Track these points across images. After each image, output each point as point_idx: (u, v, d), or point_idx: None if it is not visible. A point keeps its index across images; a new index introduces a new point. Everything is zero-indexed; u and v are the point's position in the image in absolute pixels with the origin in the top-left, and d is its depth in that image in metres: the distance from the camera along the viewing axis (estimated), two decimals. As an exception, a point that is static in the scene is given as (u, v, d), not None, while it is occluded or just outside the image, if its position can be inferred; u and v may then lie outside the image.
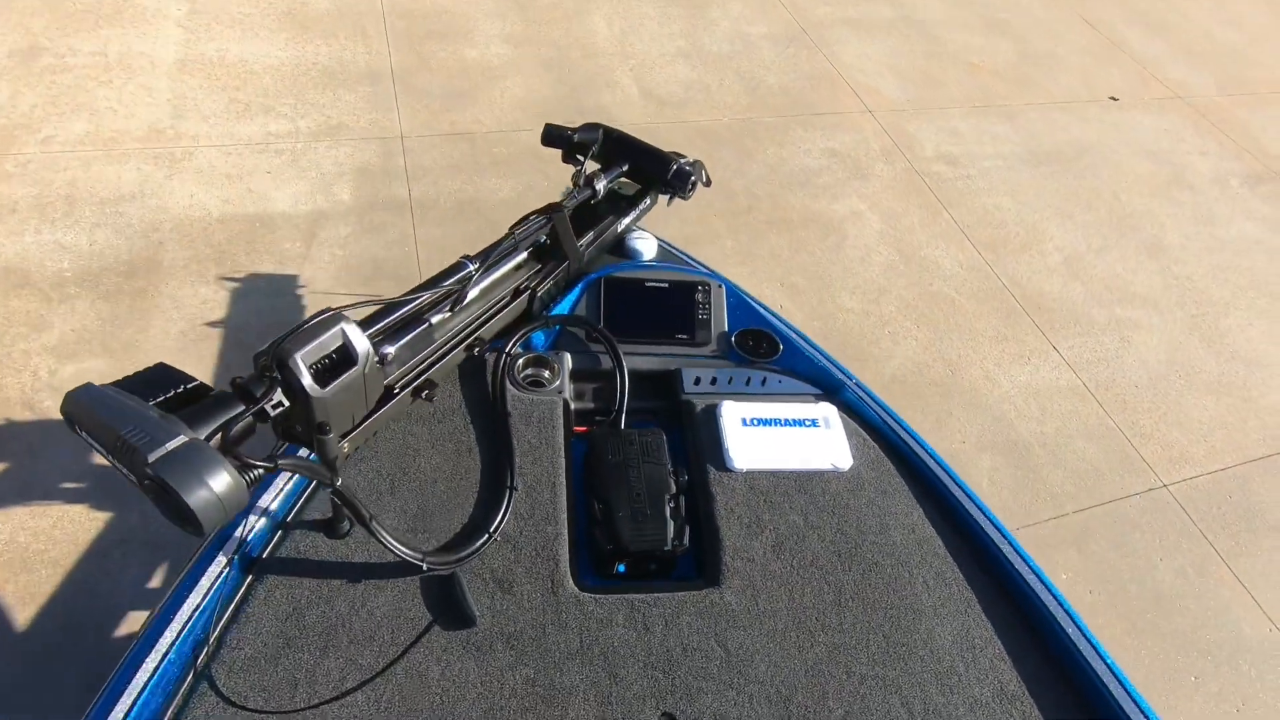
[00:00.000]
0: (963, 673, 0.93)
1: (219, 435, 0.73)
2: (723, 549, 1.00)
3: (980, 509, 1.09)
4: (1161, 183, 3.44)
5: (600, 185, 1.27)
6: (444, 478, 1.02)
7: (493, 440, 1.06)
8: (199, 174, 2.63)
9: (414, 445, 1.04)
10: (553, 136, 1.29)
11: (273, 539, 0.93)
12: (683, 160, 1.34)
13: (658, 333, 1.25)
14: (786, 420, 1.14)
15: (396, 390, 0.96)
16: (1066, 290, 2.88)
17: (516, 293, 1.16)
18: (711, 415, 1.14)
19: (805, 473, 1.09)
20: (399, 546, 0.87)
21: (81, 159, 2.61)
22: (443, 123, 3.00)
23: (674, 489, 1.04)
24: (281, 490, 0.96)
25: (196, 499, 0.65)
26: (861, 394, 1.21)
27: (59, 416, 2.09)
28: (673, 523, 1.00)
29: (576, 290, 1.26)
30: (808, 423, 1.14)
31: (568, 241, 1.20)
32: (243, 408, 0.75)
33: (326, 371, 0.81)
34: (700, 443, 1.11)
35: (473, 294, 1.07)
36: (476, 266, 1.05)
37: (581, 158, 1.29)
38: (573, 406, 1.16)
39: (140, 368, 0.82)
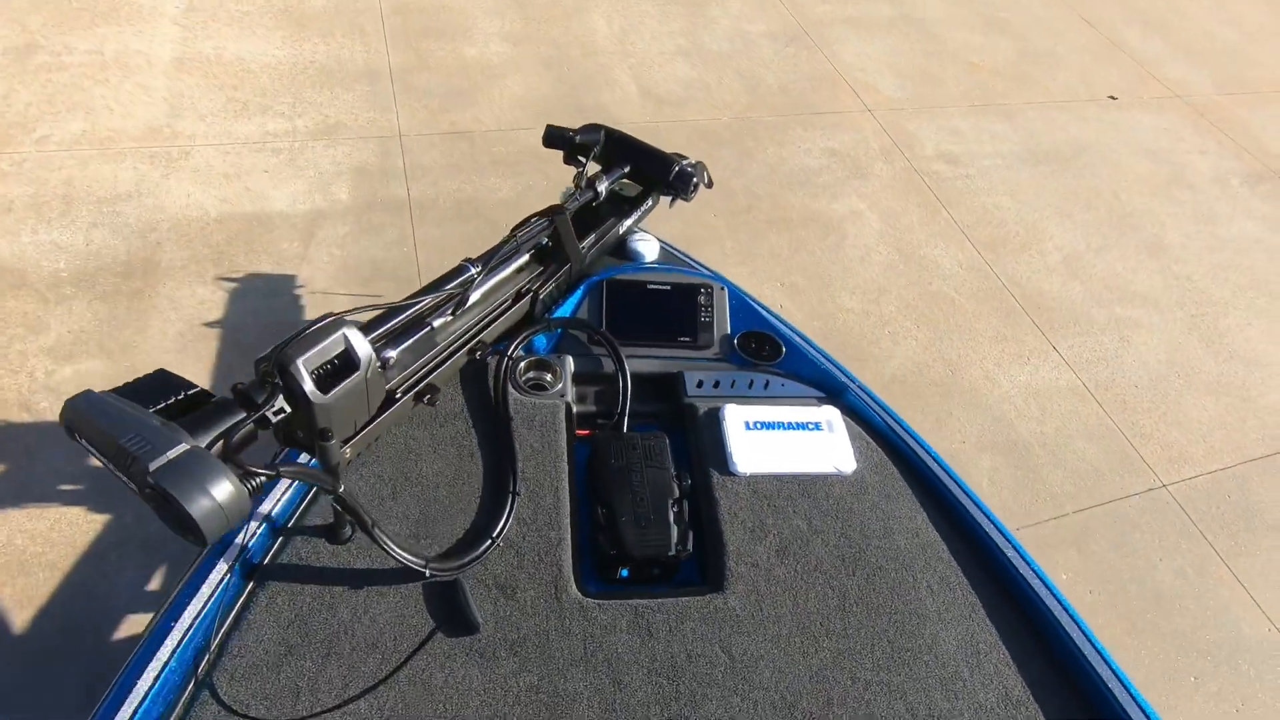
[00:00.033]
0: (968, 678, 0.93)
1: (220, 443, 0.73)
2: (726, 554, 1.00)
3: (984, 512, 1.09)
4: (1161, 182, 3.44)
5: (602, 187, 1.27)
6: (446, 482, 1.01)
7: (495, 444, 1.06)
8: (196, 173, 2.62)
9: (415, 450, 1.04)
10: (554, 138, 1.28)
11: (274, 545, 0.92)
12: (684, 162, 1.33)
13: (660, 335, 1.24)
14: (789, 424, 1.13)
15: (398, 395, 0.96)
16: (1066, 290, 2.88)
17: (518, 295, 1.16)
18: (714, 419, 1.13)
19: (809, 476, 1.09)
20: (402, 553, 0.86)
21: (78, 158, 2.60)
22: (441, 122, 2.99)
23: (677, 493, 1.03)
24: (282, 496, 0.95)
25: (198, 508, 0.64)
26: (864, 397, 1.20)
27: (56, 418, 2.09)
28: (676, 528, 1.00)
29: (578, 293, 1.25)
30: (811, 426, 1.14)
31: (570, 244, 1.19)
32: (244, 414, 0.75)
33: (328, 377, 0.80)
34: (703, 446, 1.11)
35: (474, 297, 1.07)
36: (478, 269, 1.04)
37: (583, 159, 1.28)
38: (575, 410, 1.15)
39: (138, 368, 0.81)
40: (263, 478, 0.73)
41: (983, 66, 3.86)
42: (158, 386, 0.76)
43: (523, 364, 1.15)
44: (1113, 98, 3.86)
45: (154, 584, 1.76)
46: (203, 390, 0.77)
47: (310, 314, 2.31)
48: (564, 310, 1.23)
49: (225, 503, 0.66)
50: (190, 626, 0.82)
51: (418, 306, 0.96)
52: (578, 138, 1.28)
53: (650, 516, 0.99)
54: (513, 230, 1.16)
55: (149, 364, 2.10)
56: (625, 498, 1.01)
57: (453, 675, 0.85)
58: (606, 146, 1.31)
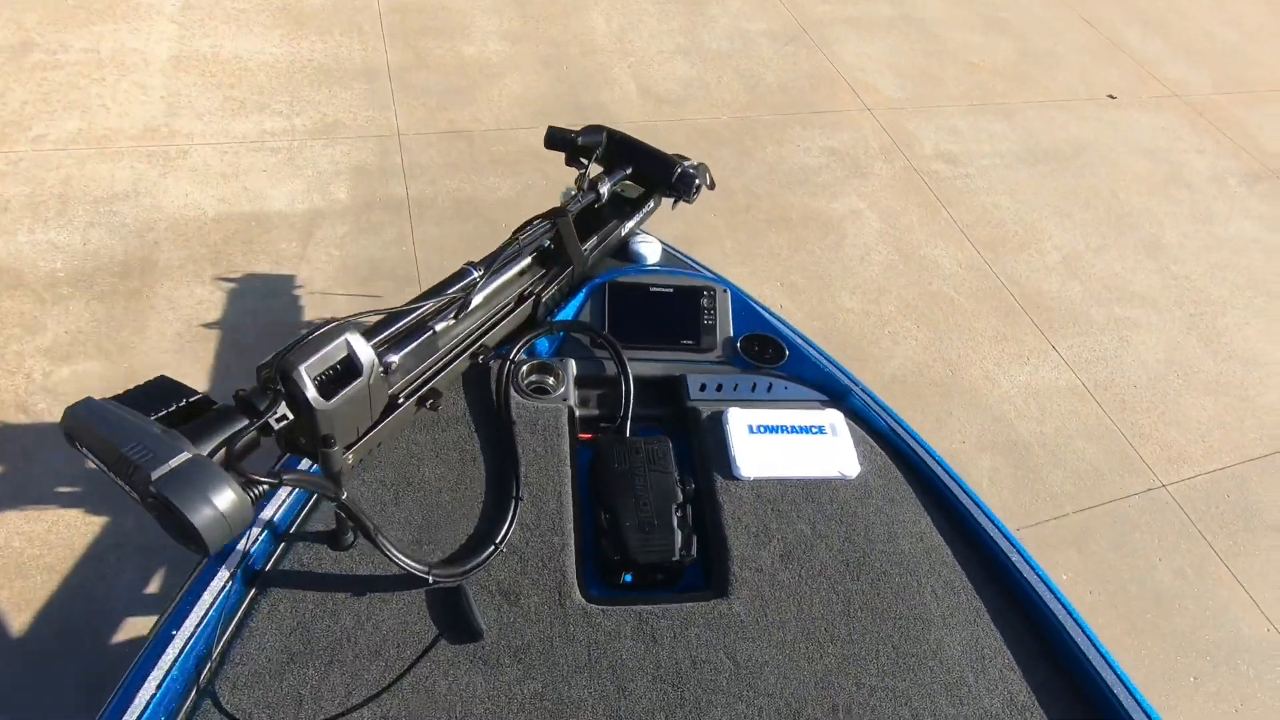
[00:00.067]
0: (972, 683, 0.93)
1: (223, 450, 0.72)
2: (730, 559, 1.00)
3: (988, 516, 1.09)
4: (1159, 181, 3.45)
5: (604, 189, 1.26)
6: (448, 488, 1.00)
7: (497, 449, 1.05)
8: (194, 173, 2.61)
9: (417, 454, 1.03)
10: (556, 140, 1.27)
11: (276, 551, 0.92)
12: (687, 163, 1.32)
13: (663, 338, 1.24)
14: (793, 427, 1.13)
15: (401, 400, 0.95)
16: (1065, 289, 2.88)
17: (520, 299, 1.15)
18: (717, 422, 1.13)
19: (812, 480, 1.09)
20: (405, 560, 0.86)
21: (75, 157, 2.58)
22: (440, 120, 2.98)
23: (681, 498, 1.03)
24: (284, 502, 0.94)
25: (201, 518, 0.64)
26: (868, 400, 1.20)
27: (53, 419, 2.08)
28: (680, 533, 0.99)
29: (580, 295, 1.24)
30: (814, 430, 1.13)
31: (572, 246, 1.19)
32: (246, 422, 0.74)
33: (331, 383, 0.79)
34: (706, 450, 1.10)
35: (477, 300, 1.06)
36: (481, 273, 1.04)
37: (585, 161, 1.27)
38: (577, 413, 1.15)
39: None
40: (265, 486, 0.72)
41: (982, 66, 3.86)
42: (159, 393, 0.75)
43: (525, 367, 1.14)
44: (1112, 97, 3.86)
45: (152, 587, 1.75)
46: (204, 397, 0.76)
47: (309, 314, 2.30)
48: (566, 313, 1.23)
49: (228, 512, 0.65)
50: (192, 634, 0.82)
51: (420, 311, 0.96)
52: (580, 139, 1.27)
53: (654, 521, 0.99)
54: (514, 232, 1.15)
55: (147, 364, 2.09)
56: (629, 502, 1.00)
57: (456, 683, 0.84)
58: (608, 148, 1.30)
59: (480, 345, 1.08)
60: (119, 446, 0.66)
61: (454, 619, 0.89)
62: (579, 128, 1.31)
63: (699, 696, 0.87)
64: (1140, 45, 4.26)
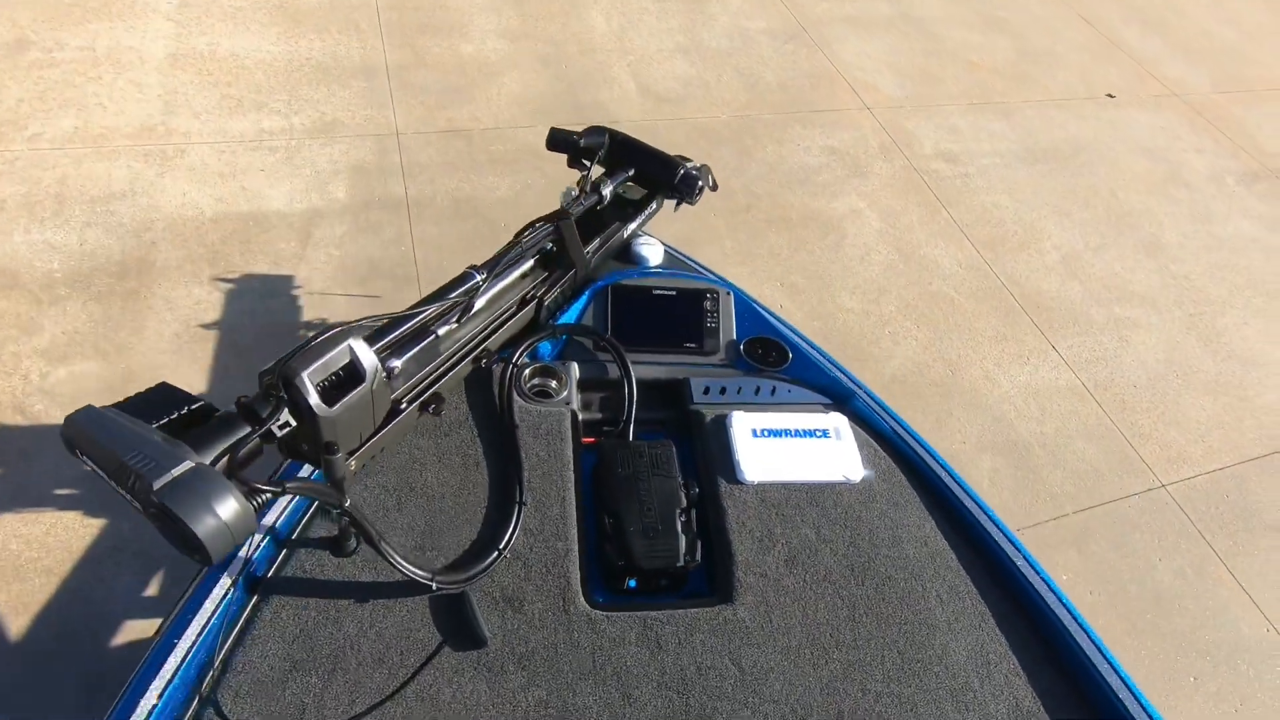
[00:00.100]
0: (978, 689, 0.92)
1: (225, 459, 0.71)
2: (735, 564, 0.99)
3: (992, 519, 1.09)
4: (1158, 180, 3.45)
5: (606, 191, 1.25)
6: (451, 493, 1.00)
7: (500, 453, 1.05)
8: (191, 172, 2.59)
9: (420, 459, 1.02)
10: (558, 141, 1.27)
11: (278, 558, 0.91)
12: (689, 165, 1.31)
13: (666, 341, 1.23)
14: (797, 431, 1.12)
15: (403, 405, 0.94)
16: (1065, 289, 2.88)
17: (523, 302, 1.14)
18: (721, 426, 1.12)
19: (817, 485, 1.08)
20: (408, 566, 0.85)
21: (71, 156, 2.57)
22: (439, 119, 2.96)
23: (685, 503, 1.03)
24: (286, 508, 0.94)
25: (204, 528, 0.63)
26: (871, 403, 1.20)
27: (51, 421, 2.05)
28: (684, 538, 0.99)
29: (583, 298, 1.24)
30: (818, 433, 1.13)
31: (574, 249, 1.18)
32: (249, 429, 0.73)
33: (333, 389, 0.79)
34: (710, 454, 1.10)
35: (479, 304, 1.05)
36: (483, 276, 1.03)
37: (588, 163, 1.27)
38: (580, 417, 1.14)
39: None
40: (268, 494, 0.71)
41: (981, 65, 3.86)
42: (160, 401, 0.74)
43: (527, 371, 1.14)
44: (1111, 96, 3.85)
45: (151, 590, 1.74)
46: (206, 404, 0.76)
47: (308, 314, 2.29)
48: (569, 316, 1.22)
49: (231, 521, 0.65)
50: (194, 642, 0.81)
51: (422, 315, 0.95)
52: (582, 141, 1.26)
53: (658, 527, 0.99)
54: (516, 235, 1.15)
55: (145, 365, 2.08)
56: (633, 507, 1.00)
57: (461, 690, 0.84)
58: (610, 149, 1.30)
59: (483, 349, 1.07)
60: (120, 455, 0.65)
61: (458, 626, 0.88)
62: (580, 129, 1.30)
63: (704, 703, 0.86)
64: (1139, 44, 4.26)
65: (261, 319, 2.25)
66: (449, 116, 2.98)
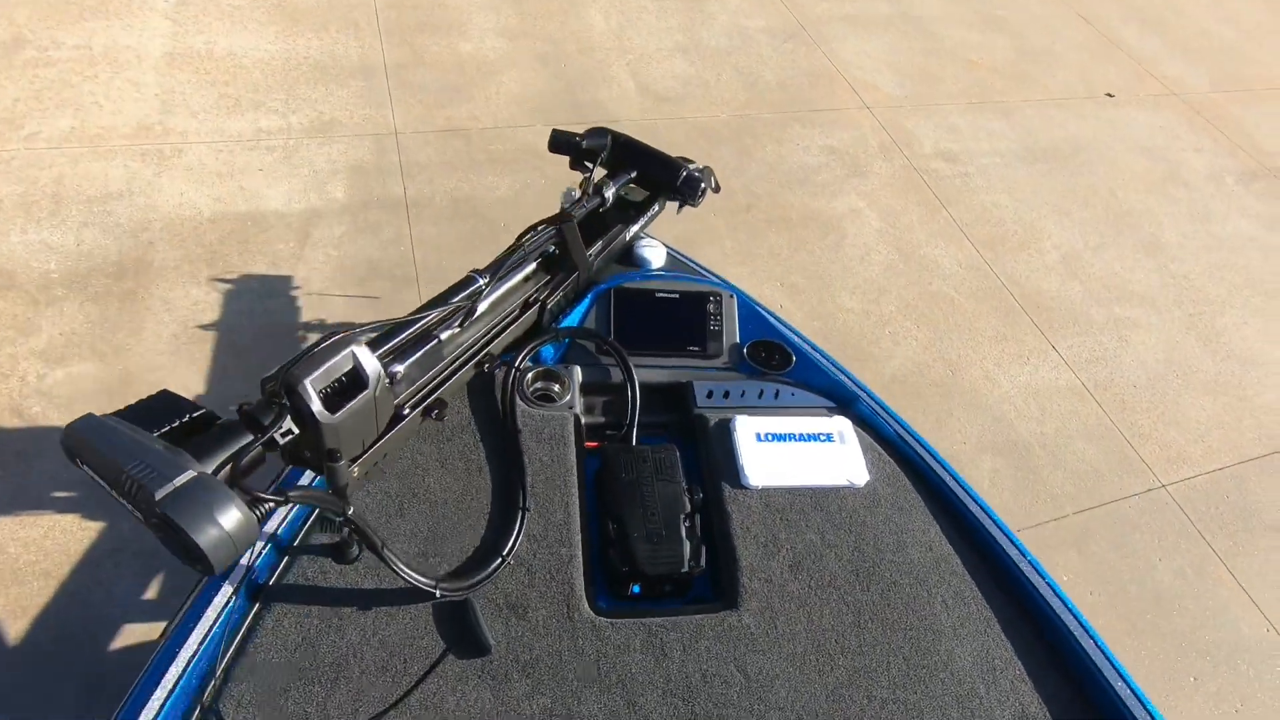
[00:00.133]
0: (984, 695, 0.92)
1: (228, 467, 0.70)
2: (739, 569, 0.99)
3: (996, 523, 1.08)
4: (1157, 179, 3.45)
5: (609, 193, 1.25)
6: (454, 498, 0.99)
7: (503, 458, 1.04)
8: (189, 171, 2.58)
9: (422, 465, 1.02)
10: (560, 143, 1.26)
11: (279, 564, 0.90)
12: (692, 166, 1.31)
13: (669, 344, 1.22)
14: (801, 435, 1.12)
15: (406, 411, 0.94)
16: (1065, 289, 2.88)
17: (526, 305, 1.14)
18: (725, 430, 1.12)
19: (821, 489, 1.08)
20: (412, 574, 0.85)
21: (68, 156, 2.55)
22: (437, 118, 2.95)
23: (689, 508, 1.02)
24: (288, 514, 0.93)
25: (206, 538, 0.62)
26: (875, 406, 1.19)
27: (48, 423, 2.04)
28: (688, 543, 0.98)
29: (586, 301, 1.23)
30: (822, 437, 1.13)
31: (577, 251, 1.17)
32: (251, 437, 0.72)
33: (336, 396, 0.78)
34: (714, 459, 1.09)
35: (482, 308, 1.05)
36: (486, 280, 1.02)
37: (590, 165, 1.26)
38: (583, 421, 1.13)
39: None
40: (271, 504, 0.71)
41: (980, 64, 3.85)
42: (161, 408, 0.74)
43: (530, 374, 1.13)
44: (1110, 95, 3.85)
45: (151, 593, 1.73)
46: (208, 411, 0.75)
47: (306, 315, 2.28)
48: (571, 319, 1.21)
49: (233, 531, 0.64)
50: (195, 652, 0.80)
51: (425, 320, 0.94)
52: (584, 143, 1.26)
53: (662, 532, 0.98)
54: (519, 238, 1.14)
55: (142, 367, 2.07)
56: (636, 513, 0.99)
57: (465, 698, 0.83)
58: (613, 151, 1.29)
59: (486, 354, 1.06)
60: (122, 464, 0.64)
61: (461, 633, 0.87)
62: (581, 129, 1.29)
63: (710, 711, 0.86)
64: (1138, 43, 4.26)
65: (260, 320, 2.24)
66: (447, 116, 2.97)
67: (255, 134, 2.74)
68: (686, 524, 1.00)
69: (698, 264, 1.41)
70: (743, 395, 1.17)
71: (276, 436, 0.74)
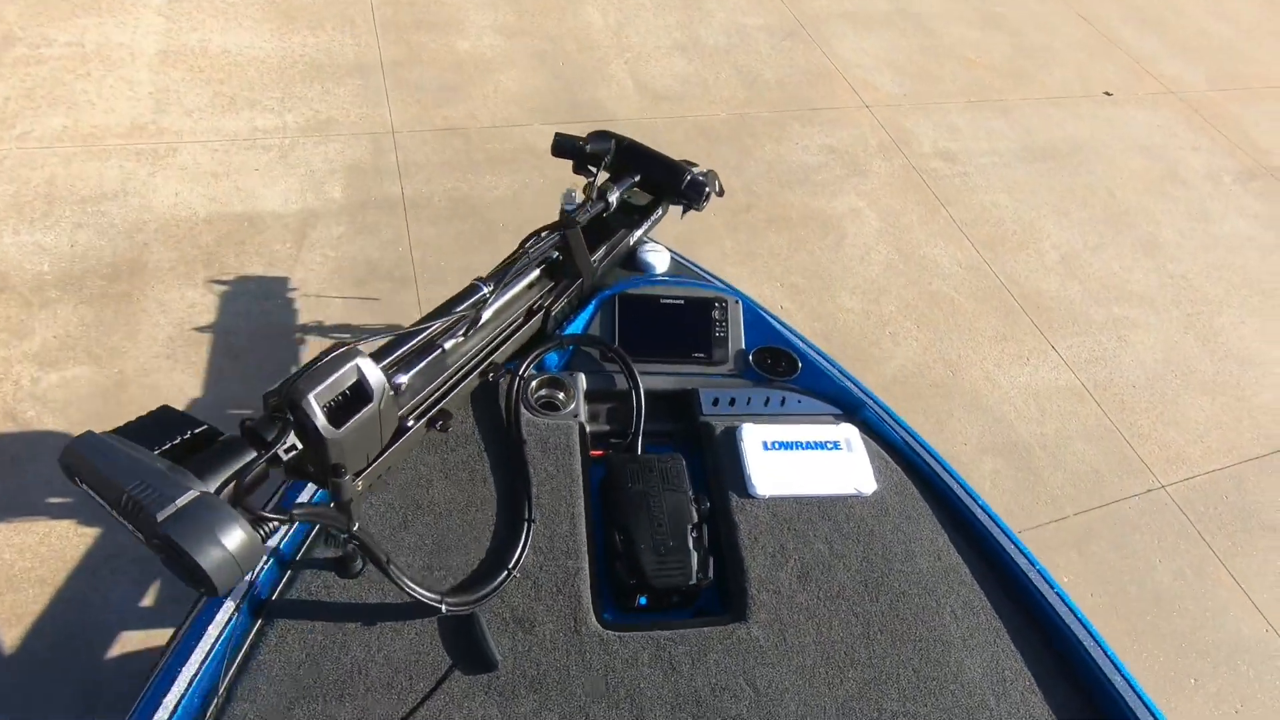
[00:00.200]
0: (994, 707, 0.91)
1: (230, 485, 0.69)
2: (748, 580, 0.98)
3: (1004, 531, 1.08)
4: (1155, 178, 3.45)
5: (613, 197, 1.23)
6: (459, 510, 0.98)
7: (508, 469, 1.03)
8: (184, 171, 2.55)
9: (426, 475, 1.00)
10: (564, 147, 1.24)
11: (282, 580, 0.89)
12: (695, 170, 1.29)
13: (674, 351, 1.21)
14: (808, 443, 1.11)
15: (410, 422, 0.92)
16: (1064, 289, 2.88)
17: (530, 313, 1.12)
18: (731, 438, 1.11)
19: (829, 498, 1.07)
20: (417, 589, 0.83)
21: (60, 155, 2.52)
22: (435, 117, 2.93)
23: (696, 518, 1.01)
24: (290, 528, 0.91)
25: (210, 560, 0.61)
26: (881, 413, 1.18)
27: (43, 427, 2.01)
28: (696, 554, 0.97)
29: (590, 307, 1.22)
30: (829, 445, 1.12)
31: (581, 257, 1.16)
32: (254, 454, 0.71)
33: (340, 410, 0.77)
34: (721, 468, 1.08)
35: (486, 316, 1.03)
36: (490, 289, 1.01)
37: (594, 169, 1.24)
38: (588, 429, 1.12)
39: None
40: (275, 522, 0.69)
41: (979, 63, 3.84)
42: (161, 424, 0.72)
43: (534, 382, 1.12)
44: (1108, 94, 3.85)
45: (148, 600, 1.72)
46: (209, 428, 0.73)
47: (304, 318, 2.25)
48: (576, 326, 1.20)
49: (237, 552, 0.63)
50: (198, 670, 0.79)
51: (429, 331, 0.93)
52: (588, 147, 1.24)
53: (669, 544, 0.97)
54: (522, 243, 1.13)
55: (138, 370, 2.05)
56: (643, 524, 0.98)
57: (471, 715, 0.82)
58: (616, 155, 1.27)
59: (490, 363, 1.05)
60: (123, 485, 0.63)
61: (467, 648, 0.86)
62: (582, 132, 1.27)
63: (719, 725, 0.85)
64: (1136, 42, 4.26)
65: (257, 322, 2.22)
66: (445, 114, 2.95)
67: (251, 133, 2.71)
68: (694, 535, 0.99)
69: (702, 269, 1.40)
70: (749, 402, 1.16)
71: (280, 453, 0.73)
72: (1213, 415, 2.59)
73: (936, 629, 0.97)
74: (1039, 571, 1.03)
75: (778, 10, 3.84)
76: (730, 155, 3.06)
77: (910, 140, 3.32)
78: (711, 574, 0.98)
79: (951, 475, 1.12)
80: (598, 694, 0.85)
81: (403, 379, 0.91)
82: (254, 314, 2.24)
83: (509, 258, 1.10)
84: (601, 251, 1.23)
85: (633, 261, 1.34)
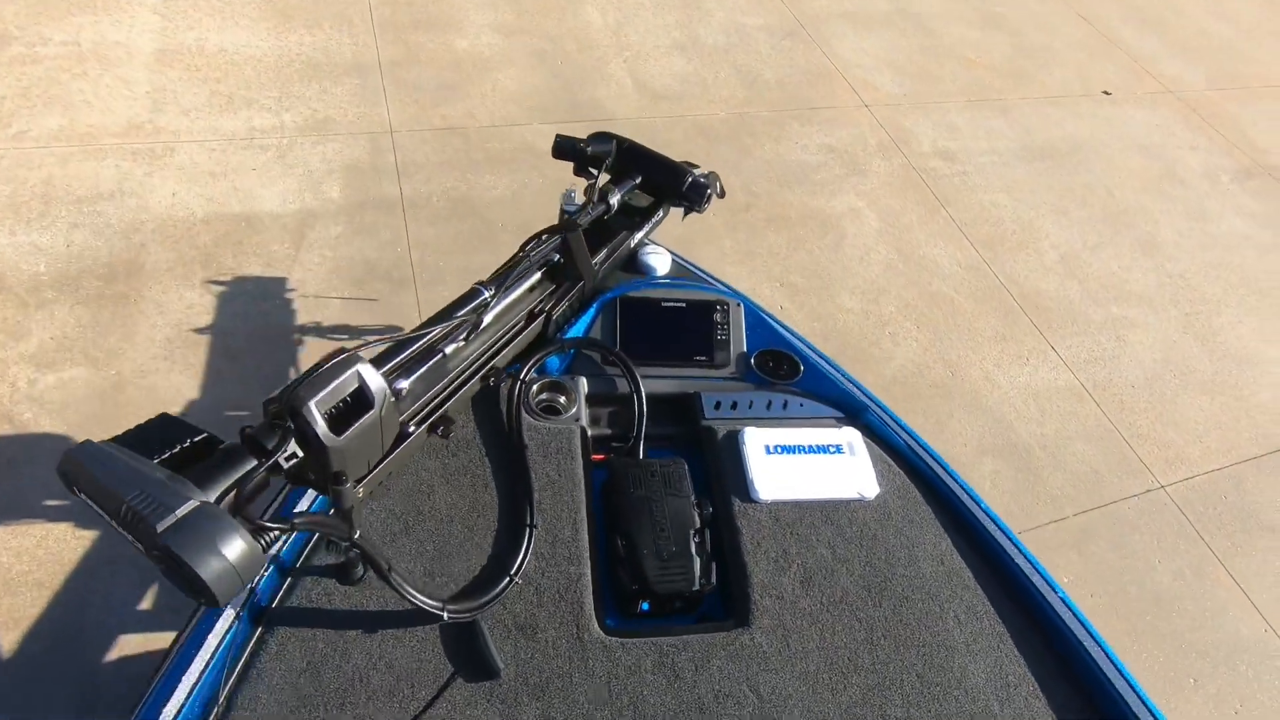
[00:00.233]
0: (998, 712, 0.91)
1: (231, 494, 0.68)
2: (750, 585, 0.97)
3: (1007, 535, 1.07)
4: (1154, 178, 3.45)
5: (614, 200, 1.22)
6: (460, 516, 0.97)
7: (509, 474, 1.02)
8: (181, 171, 2.54)
9: (427, 481, 1.00)
10: (564, 149, 1.24)
11: (283, 586, 0.88)
12: (697, 172, 1.29)
13: (675, 354, 1.21)
14: (810, 447, 1.11)
15: (411, 428, 0.92)
16: (1063, 289, 2.88)
17: (531, 316, 1.12)
18: (733, 442, 1.10)
19: (831, 502, 1.06)
20: (419, 596, 0.83)
21: (57, 155, 2.51)
22: (433, 117, 2.92)
23: (698, 523, 1.01)
24: (291, 535, 0.91)
25: (210, 571, 0.60)
26: (884, 416, 1.18)
27: (40, 429, 2.00)
28: (698, 560, 0.97)
29: (591, 311, 1.21)
30: (832, 449, 1.11)
31: (582, 260, 1.15)
32: (255, 463, 0.70)
33: (341, 417, 0.76)
34: (723, 472, 1.08)
35: (487, 320, 1.03)
36: (492, 292, 1.00)
37: (595, 171, 1.24)
38: (590, 433, 1.12)
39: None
40: (276, 532, 0.69)
41: (979, 62, 3.84)
42: (161, 432, 0.71)
43: (535, 386, 1.11)
44: (1107, 93, 3.85)
45: (147, 603, 1.71)
46: (209, 435, 0.73)
47: (303, 318, 2.25)
48: (577, 329, 1.20)
49: (238, 563, 0.62)
50: (198, 679, 0.78)
51: (430, 336, 0.92)
52: (589, 149, 1.23)
53: (672, 549, 0.97)
54: (522, 246, 1.12)
55: (135, 371, 2.04)
56: (645, 529, 0.98)
57: (474, 722, 0.82)
58: (617, 156, 1.27)
59: (491, 368, 1.05)
60: (122, 494, 0.62)
61: (470, 656, 0.86)
62: (583, 133, 1.27)
63: (723, 732, 0.85)
64: (1136, 41, 4.26)
65: (255, 323, 2.21)
66: (444, 114, 2.93)
67: (248, 132, 2.70)
68: (696, 540, 0.99)
69: (704, 271, 1.39)
70: (751, 406, 1.16)
71: (281, 461, 0.72)
72: (1211, 415, 2.60)
73: (940, 634, 0.97)
74: (1041, 575, 1.03)
75: (777, 10, 3.83)
76: (729, 155, 3.05)
77: (910, 140, 3.31)
78: (714, 579, 0.98)
79: (954, 479, 1.12)
80: (600, 701, 0.85)
81: (404, 384, 0.90)
82: (252, 315, 2.23)
83: (509, 261, 1.09)
84: (603, 254, 1.22)
85: (634, 264, 1.34)
